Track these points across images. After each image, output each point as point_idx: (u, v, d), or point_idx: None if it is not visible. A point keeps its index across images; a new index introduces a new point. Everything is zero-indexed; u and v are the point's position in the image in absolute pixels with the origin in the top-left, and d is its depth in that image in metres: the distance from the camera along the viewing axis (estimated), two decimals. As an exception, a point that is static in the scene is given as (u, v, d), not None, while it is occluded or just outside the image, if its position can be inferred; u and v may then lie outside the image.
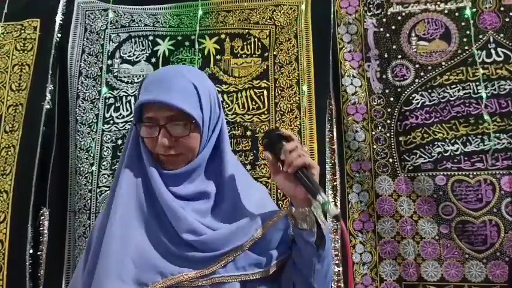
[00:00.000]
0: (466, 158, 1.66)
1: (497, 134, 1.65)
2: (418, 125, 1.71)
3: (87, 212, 1.79)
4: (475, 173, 1.64)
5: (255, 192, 1.10)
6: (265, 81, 1.86)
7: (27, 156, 1.82)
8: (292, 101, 1.82)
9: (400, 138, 1.72)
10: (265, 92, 1.84)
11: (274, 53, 1.88)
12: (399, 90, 1.77)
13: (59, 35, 1.94)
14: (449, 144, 1.68)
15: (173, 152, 1.01)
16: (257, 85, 1.85)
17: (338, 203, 1.71)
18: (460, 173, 1.65)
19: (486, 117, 1.66)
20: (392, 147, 1.73)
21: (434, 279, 1.60)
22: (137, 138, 1.06)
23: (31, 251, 1.75)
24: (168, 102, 0.98)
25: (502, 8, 1.76)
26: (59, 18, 1.96)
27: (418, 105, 1.73)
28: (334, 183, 1.73)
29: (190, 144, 1.02)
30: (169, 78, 1.03)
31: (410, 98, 1.75)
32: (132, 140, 1.07)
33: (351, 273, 0.91)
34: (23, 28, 1.98)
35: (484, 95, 1.67)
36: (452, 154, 1.67)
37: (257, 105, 1.83)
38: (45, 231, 1.78)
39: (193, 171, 1.04)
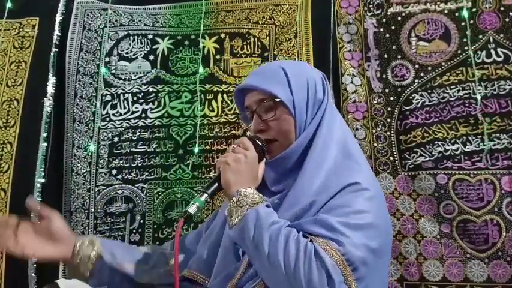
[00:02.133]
0: (466, 158, 1.65)
1: (497, 134, 1.64)
2: (419, 125, 1.70)
3: (86, 211, 1.77)
4: (475, 172, 1.63)
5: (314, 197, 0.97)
6: (265, 80, 1.84)
7: (27, 153, 1.80)
8: (291, 100, 1.80)
9: (401, 137, 1.71)
10: (264, 92, 1.83)
11: (274, 53, 1.88)
12: (399, 90, 1.76)
13: (58, 33, 1.93)
14: (449, 143, 1.67)
15: (266, 136, 1.01)
16: (257, 85, 1.84)
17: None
18: (460, 172, 1.64)
19: (481, 118, 1.65)
20: (393, 145, 1.72)
21: (436, 279, 1.58)
22: None
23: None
24: (250, 84, 1.02)
25: (502, 8, 1.76)
26: (58, 17, 1.95)
27: (418, 105, 1.73)
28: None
29: (280, 126, 1.01)
30: (262, 67, 1.12)
31: (410, 98, 1.74)
32: None
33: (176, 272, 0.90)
34: (22, 26, 1.97)
35: (479, 97, 1.66)
36: (452, 154, 1.66)
37: (257, 105, 1.82)
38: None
39: (283, 161, 1.02)
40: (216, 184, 0.95)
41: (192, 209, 0.90)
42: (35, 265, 1.72)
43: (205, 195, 0.93)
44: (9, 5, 1.97)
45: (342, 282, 0.84)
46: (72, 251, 1.04)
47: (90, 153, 1.82)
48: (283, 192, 1.01)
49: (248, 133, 1.09)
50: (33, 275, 1.71)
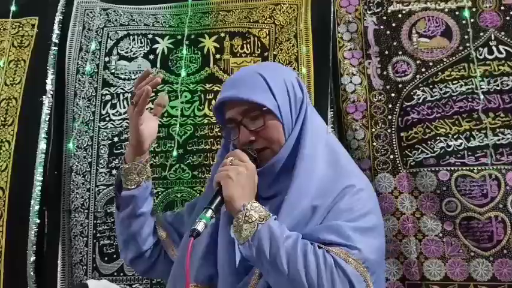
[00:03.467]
0: (469, 153, 1.62)
1: (502, 129, 1.61)
2: (420, 120, 1.68)
3: (86, 211, 1.76)
4: (479, 168, 1.60)
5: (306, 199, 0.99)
6: (265, 80, 1.84)
7: (28, 153, 1.79)
8: (292, 100, 1.80)
9: (402, 134, 1.69)
10: (265, 91, 1.82)
11: (274, 52, 1.87)
12: (400, 86, 1.74)
13: (58, 33, 1.94)
14: (452, 139, 1.64)
15: (257, 146, 1.01)
16: (257, 84, 1.83)
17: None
18: (463, 168, 1.61)
19: (482, 116, 1.63)
20: (394, 143, 1.69)
21: (438, 278, 1.54)
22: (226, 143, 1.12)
23: (34, 249, 1.72)
24: (235, 96, 1.00)
25: (502, 8, 1.75)
26: (58, 16, 1.96)
27: (420, 101, 1.70)
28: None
29: (270, 134, 1.01)
30: (238, 76, 1.09)
31: (412, 93, 1.72)
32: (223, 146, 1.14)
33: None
34: (21, 26, 1.98)
35: (482, 96, 1.64)
36: (455, 149, 1.63)
37: (257, 104, 1.81)
38: (45, 230, 1.75)
39: (273, 167, 1.02)
40: (219, 198, 0.94)
41: (200, 226, 0.89)
42: (33, 264, 1.71)
43: (210, 211, 0.92)
44: (13, 8, 1.98)
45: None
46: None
47: (71, 153, 1.81)
48: (276, 197, 1.01)
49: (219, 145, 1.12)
50: (32, 273, 1.70)
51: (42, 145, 1.80)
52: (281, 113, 1.01)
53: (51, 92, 1.86)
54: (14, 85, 1.90)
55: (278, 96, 1.02)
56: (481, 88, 1.66)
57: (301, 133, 1.03)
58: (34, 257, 1.71)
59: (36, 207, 1.75)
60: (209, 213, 0.91)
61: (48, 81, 1.87)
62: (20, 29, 1.98)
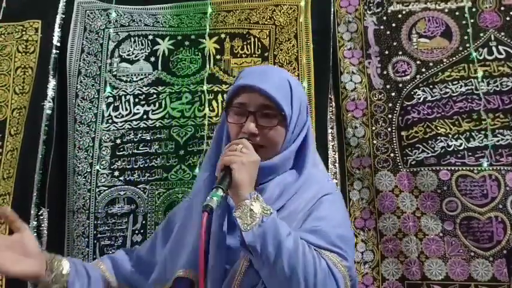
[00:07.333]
0: (470, 154, 1.62)
1: (501, 130, 1.62)
2: (421, 120, 1.68)
3: (86, 211, 1.77)
4: (479, 168, 1.60)
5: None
6: (265, 81, 1.84)
7: (29, 157, 1.80)
8: (292, 100, 1.80)
9: (402, 133, 1.70)
10: (265, 92, 1.83)
11: (274, 53, 1.88)
12: (400, 85, 1.74)
13: (59, 35, 1.94)
14: (452, 139, 1.64)
15: (255, 142, 1.02)
16: (257, 85, 1.84)
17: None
18: (464, 168, 1.61)
19: (483, 116, 1.64)
20: (394, 142, 1.70)
21: (439, 278, 1.54)
22: (222, 126, 1.12)
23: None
24: (263, 88, 1.02)
25: (502, 8, 1.76)
26: (58, 18, 1.96)
27: (420, 100, 1.71)
28: (335, 181, 1.70)
29: (275, 138, 1.04)
30: (269, 70, 1.15)
31: (412, 93, 1.73)
32: (220, 128, 1.14)
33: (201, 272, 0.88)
34: (24, 29, 1.97)
35: (482, 96, 1.65)
36: (456, 149, 1.64)
37: (257, 105, 1.82)
38: (45, 231, 1.76)
39: (278, 166, 1.06)
40: (228, 180, 0.94)
41: (213, 203, 0.88)
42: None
43: (221, 189, 0.91)
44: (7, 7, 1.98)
45: None
46: (45, 268, 0.97)
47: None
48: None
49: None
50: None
51: (41, 150, 1.81)
52: (290, 124, 1.05)
53: (52, 97, 1.87)
54: (24, 94, 1.89)
55: (294, 109, 1.06)
56: (481, 89, 1.66)
57: (302, 152, 1.09)
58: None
59: (34, 211, 1.76)
60: (219, 191, 0.90)
61: (50, 85, 1.88)
62: (24, 33, 1.96)
